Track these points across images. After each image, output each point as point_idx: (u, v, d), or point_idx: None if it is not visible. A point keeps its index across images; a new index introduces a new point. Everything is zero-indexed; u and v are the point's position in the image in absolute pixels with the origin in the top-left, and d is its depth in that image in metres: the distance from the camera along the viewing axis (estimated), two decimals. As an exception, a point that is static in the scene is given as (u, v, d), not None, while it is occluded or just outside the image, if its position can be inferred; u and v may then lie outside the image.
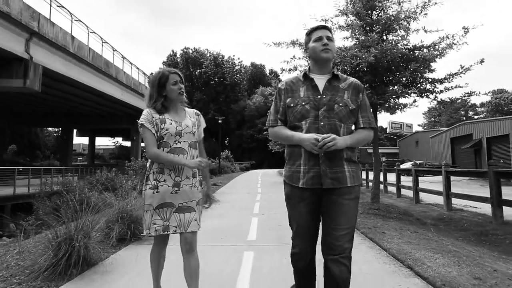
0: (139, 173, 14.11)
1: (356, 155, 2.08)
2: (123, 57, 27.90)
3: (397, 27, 7.49)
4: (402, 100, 7.67)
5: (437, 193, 9.56)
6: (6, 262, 3.60)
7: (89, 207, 4.00)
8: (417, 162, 31.31)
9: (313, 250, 2.09)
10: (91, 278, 3.16)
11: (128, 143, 57.14)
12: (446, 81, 7.27)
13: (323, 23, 2.08)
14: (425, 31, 7.05)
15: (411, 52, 7.22)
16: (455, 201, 9.77)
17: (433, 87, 7.19)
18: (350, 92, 2.05)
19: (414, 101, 7.61)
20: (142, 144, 44.99)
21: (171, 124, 2.31)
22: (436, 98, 7.28)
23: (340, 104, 1.99)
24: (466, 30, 6.76)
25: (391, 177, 14.61)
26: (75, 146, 56.52)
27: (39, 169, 18.34)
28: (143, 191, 2.35)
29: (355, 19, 7.62)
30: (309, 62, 2.27)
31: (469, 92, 7.05)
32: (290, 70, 7.79)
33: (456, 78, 7.20)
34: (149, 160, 2.38)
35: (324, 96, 2.00)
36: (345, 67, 7.22)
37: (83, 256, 3.27)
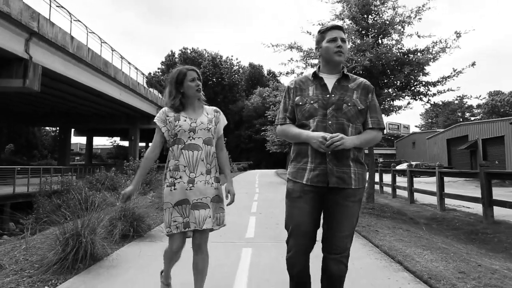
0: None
1: (363, 155, 2.09)
2: (122, 57, 28.02)
3: (392, 31, 7.70)
4: (396, 103, 7.89)
5: (431, 193, 9.77)
6: (15, 257, 3.76)
7: (93, 205, 4.17)
8: (412, 163, 31.57)
9: (307, 253, 2.05)
10: (98, 272, 3.32)
11: (125, 143, 57.26)
12: (439, 84, 7.48)
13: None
14: (419, 36, 7.26)
15: (405, 56, 7.43)
16: (449, 202, 9.98)
17: (426, 90, 7.39)
18: (359, 92, 2.06)
19: (408, 103, 7.82)
20: (140, 144, 45.14)
21: (185, 121, 2.34)
22: (429, 101, 7.49)
23: (349, 104, 2.00)
24: (458, 34, 6.97)
25: (387, 178, 14.82)
26: (72, 145, 56.47)
27: (38, 168, 18.44)
28: (162, 190, 2.40)
29: (351, 23, 7.81)
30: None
31: (461, 96, 7.26)
32: (287, 73, 7.98)
33: (449, 81, 7.41)
34: (167, 158, 2.41)
35: (333, 95, 2.01)
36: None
37: (90, 251, 3.44)
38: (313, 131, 1.97)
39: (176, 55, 65.78)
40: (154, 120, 2.43)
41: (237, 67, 67.52)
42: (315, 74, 2.11)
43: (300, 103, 2.06)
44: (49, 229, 5.16)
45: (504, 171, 20.86)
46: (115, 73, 25.65)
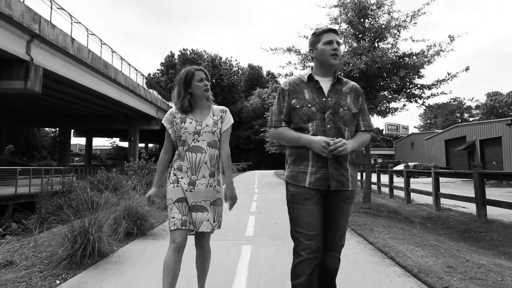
0: (138, 174, 14.44)
1: (354, 157, 2.12)
2: (122, 59, 28.20)
3: (388, 35, 7.88)
4: (393, 104, 8.07)
5: (427, 193, 9.95)
6: (24, 254, 3.92)
7: (98, 205, 4.34)
8: (410, 164, 31.84)
9: (319, 257, 1.99)
10: (105, 268, 3.50)
11: (125, 144, 57.38)
12: (434, 87, 7.67)
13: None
14: (413, 41, 7.45)
15: (401, 59, 7.61)
16: (445, 201, 10.17)
17: (420, 93, 7.58)
18: (352, 96, 2.09)
19: (404, 105, 8.01)
20: (140, 145, 45.24)
21: (190, 123, 2.35)
22: (424, 103, 7.68)
23: (345, 108, 2.03)
24: (452, 38, 7.16)
25: (385, 178, 15.01)
26: (72, 146, 56.60)
27: (40, 169, 18.59)
28: (166, 187, 2.42)
29: (347, 27, 8.00)
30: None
31: (455, 98, 7.48)
32: (286, 75, 8.16)
33: (443, 84, 7.60)
34: (173, 158, 2.47)
35: (329, 99, 2.02)
36: (338, 73, 7.59)
37: (97, 248, 3.62)
38: (312, 135, 1.97)
39: (176, 56, 65.98)
40: (162, 121, 2.47)
41: (237, 68, 67.75)
42: (310, 77, 2.10)
43: (298, 106, 2.04)
44: (55, 228, 5.34)
45: (496, 171, 21.13)
46: (115, 74, 25.82)
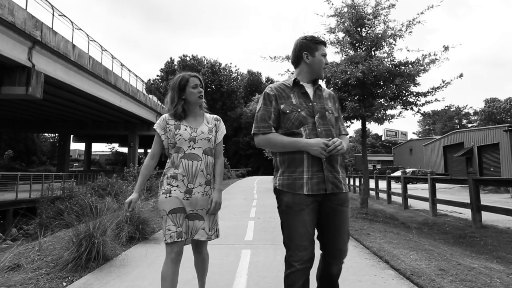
0: (137, 179, 14.54)
1: (342, 159, 2.13)
2: (122, 65, 28.43)
3: (384, 44, 8.08)
4: (389, 112, 8.23)
5: (424, 199, 10.08)
6: (30, 258, 4.04)
7: (101, 210, 4.46)
8: (407, 170, 32.03)
9: (310, 267, 1.96)
10: (109, 270, 3.61)
11: (124, 149, 57.51)
12: (429, 94, 7.85)
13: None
14: (408, 50, 7.64)
15: (397, 68, 7.79)
16: (442, 207, 10.30)
17: (416, 100, 7.76)
18: (332, 101, 2.16)
19: (400, 113, 8.17)
20: (139, 150, 45.34)
21: (185, 130, 2.32)
22: (419, 111, 7.85)
23: (329, 112, 2.07)
24: (446, 48, 7.35)
25: (383, 184, 15.15)
26: (71, 152, 56.70)
27: (40, 174, 18.68)
28: (158, 197, 2.34)
29: (344, 35, 8.19)
30: (292, 72, 2.27)
31: (449, 106, 7.65)
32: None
33: (438, 91, 7.77)
34: (166, 166, 2.39)
35: (315, 103, 2.04)
36: (336, 81, 7.77)
37: (102, 251, 3.74)
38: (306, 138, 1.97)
39: (176, 62, 66.33)
40: (154, 127, 2.41)
41: (236, 74, 68.14)
42: (295, 81, 2.09)
43: (288, 111, 2.01)
44: (58, 232, 5.46)
45: (490, 177, 21.31)
46: (115, 80, 26.01)
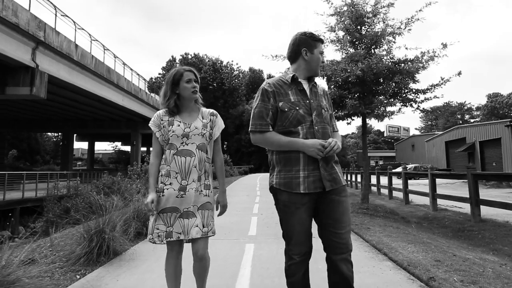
0: (142, 178, 14.75)
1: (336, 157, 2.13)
2: (124, 64, 28.61)
3: (384, 41, 8.19)
4: (389, 108, 8.37)
5: (424, 194, 10.22)
6: (43, 253, 4.21)
7: (108, 207, 4.63)
8: (408, 166, 32.20)
9: (309, 258, 2.05)
10: (119, 264, 3.79)
11: (127, 148, 57.84)
12: (428, 91, 7.96)
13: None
14: (406, 48, 7.76)
15: (396, 65, 7.91)
16: (442, 202, 10.44)
17: (415, 97, 7.88)
18: (326, 98, 2.17)
19: (400, 109, 8.30)
20: (142, 149, 45.59)
21: (178, 126, 2.27)
22: (418, 108, 7.97)
23: (325, 109, 2.07)
24: (444, 45, 7.46)
25: (385, 180, 15.28)
26: (74, 150, 57.09)
27: (46, 173, 18.93)
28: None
29: (344, 34, 8.31)
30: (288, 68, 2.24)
31: (447, 102, 7.77)
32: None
33: (437, 88, 7.89)
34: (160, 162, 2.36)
35: (312, 100, 2.03)
36: (337, 79, 7.90)
37: (112, 246, 3.91)
38: (302, 137, 1.96)
39: (177, 61, 66.42)
40: (149, 125, 2.38)
41: (237, 71, 68.13)
42: (293, 78, 2.07)
43: (286, 109, 1.99)
44: (67, 229, 5.65)
45: (488, 172, 21.44)
46: (117, 79, 26.20)
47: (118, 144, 64.80)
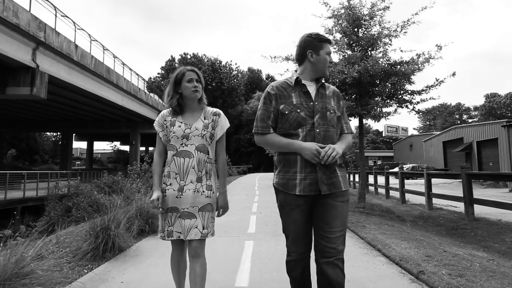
0: (142, 177, 14.89)
1: (341, 161, 2.09)
2: (124, 64, 28.71)
3: (380, 43, 8.37)
4: (385, 109, 8.55)
5: (420, 193, 10.40)
6: (50, 249, 4.37)
7: (112, 205, 4.79)
8: (404, 166, 32.51)
9: (308, 256, 2.08)
10: (124, 260, 3.95)
11: (126, 147, 57.88)
12: (424, 92, 8.15)
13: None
14: (401, 51, 7.94)
15: (392, 67, 8.09)
16: (438, 201, 10.62)
17: (410, 98, 8.06)
18: (335, 100, 2.12)
19: (395, 110, 8.48)
20: (141, 148, 45.67)
21: (179, 127, 2.29)
22: (414, 109, 8.16)
23: (331, 111, 2.03)
24: (439, 47, 7.64)
25: (382, 180, 15.47)
26: (72, 150, 57.13)
27: (46, 173, 19.06)
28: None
29: (342, 36, 8.49)
30: (295, 70, 2.24)
31: (442, 103, 7.95)
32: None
33: (432, 90, 8.07)
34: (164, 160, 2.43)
35: (316, 103, 2.01)
36: (334, 81, 8.07)
37: (117, 243, 4.07)
38: (302, 140, 1.97)
39: (176, 60, 66.56)
40: (154, 125, 2.44)
41: (236, 71, 68.36)
42: (297, 80, 2.07)
43: (286, 112, 2.00)
44: (70, 227, 5.80)
45: (482, 172, 21.72)
46: (117, 79, 26.31)
47: (117, 143, 64.91)
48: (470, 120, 74.84)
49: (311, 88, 2.06)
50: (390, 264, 3.59)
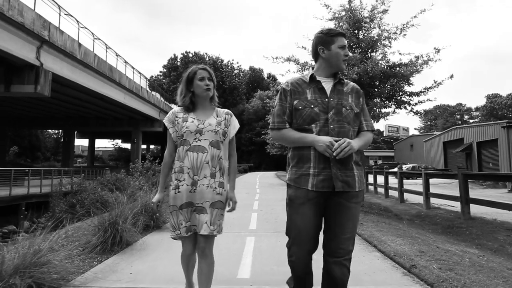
0: (144, 175, 15.09)
1: (358, 158, 2.07)
2: (126, 62, 28.91)
3: (380, 45, 8.54)
4: (384, 110, 8.72)
5: (418, 193, 10.58)
6: (59, 243, 4.56)
7: (120, 201, 4.99)
8: (403, 166, 32.74)
9: (310, 256, 2.05)
10: (131, 253, 4.14)
11: (127, 145, 58.18)
12: (422, 94, 8.32)
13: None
14: (400, 54, 8.12)
15: (391, 69, 8.26)
16: (436, 201, 10.80)
17: (409, 100, 8.24)
18: (353, 96, 2.08)
19: (394, 111, 8.66)
20: (142, 146, 45.88)
21: (192, 122, 2.30)
22: (412, 110, 8.34)
23: (347, 108, 2.00)
24: (438, 50, 7.81)
25: (381, 179, 15.64)
26: (74, 148, 57.42)
27: (50, 170, 19.31)
28: (168, 192, 2.36)
29: (342, 38, 8.66)
30: (313, 66, 2.23)
31: (440, 105, 8.12)
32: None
33: (430, 91, 8.24)
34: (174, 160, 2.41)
35: (331, 99, 2.00)
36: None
37: (124, 237, 4.27)
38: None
39: (178, 59, 66.75)
40: (164, 120, 2.44)
41: (238, 70, 68.55)
42: (312, 77, 2.07)
43: (300, 108, 2.01)
44: (77, 223, 6.00)
45: (478, 172, 21.93)
46: (119, 77, 26.52)
47: (119, 141, 65.22)
48: (471, 121, 74.91)
49: (327, 85, 2.06)
50: (384, 259, 3.78)
